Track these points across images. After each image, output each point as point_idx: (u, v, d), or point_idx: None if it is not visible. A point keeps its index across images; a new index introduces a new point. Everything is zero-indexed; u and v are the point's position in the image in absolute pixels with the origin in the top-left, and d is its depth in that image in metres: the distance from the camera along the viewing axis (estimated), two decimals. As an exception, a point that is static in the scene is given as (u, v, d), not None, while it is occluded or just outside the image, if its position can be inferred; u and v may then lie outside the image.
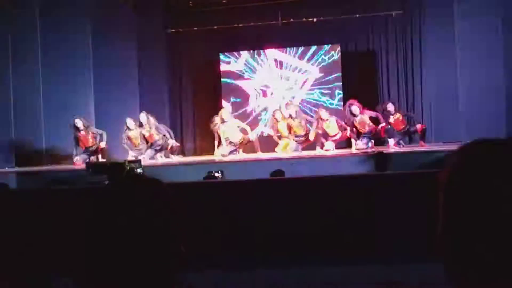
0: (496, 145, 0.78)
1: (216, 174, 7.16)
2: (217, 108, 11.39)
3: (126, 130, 9.26)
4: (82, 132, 9.13)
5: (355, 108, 8.90)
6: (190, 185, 5.46)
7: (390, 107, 9.18)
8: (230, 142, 9.21)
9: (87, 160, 8.93)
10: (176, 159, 9.59)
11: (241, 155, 9.26)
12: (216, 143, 9.54)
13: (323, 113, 9.03)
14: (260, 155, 9.07)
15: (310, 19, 11.14)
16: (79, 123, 9.04)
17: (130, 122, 9.23)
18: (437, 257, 0.77)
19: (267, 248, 4.74)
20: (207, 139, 11.45)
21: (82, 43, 9.81)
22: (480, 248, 0.73)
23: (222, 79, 11.43)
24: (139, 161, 8.04)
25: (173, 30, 11.51)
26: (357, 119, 8.91)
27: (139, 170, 7.29)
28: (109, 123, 9.74)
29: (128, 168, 7.42)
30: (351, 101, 9.12)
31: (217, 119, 9.33)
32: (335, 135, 9.09)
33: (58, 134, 9.48)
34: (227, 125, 9.20)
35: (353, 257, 4.59)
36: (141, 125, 9.31)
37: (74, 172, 8.12)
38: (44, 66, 9.48)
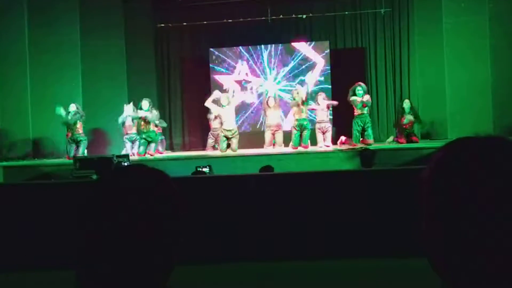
0: (479, 142, 0.79)
1: (204, 170, 7.16)
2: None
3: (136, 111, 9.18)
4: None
5: (359, 88, 9.08)
6: (178, 181, 5.45)
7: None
8: (224, 130, 9.15)
9: (74, 155, 8.87)
10: (165, 154, 9.58)
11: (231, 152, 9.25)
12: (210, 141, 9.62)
13: (320, 99, 9.37)
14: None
15: (299, 16, 11.14)
16: (73, 107, 8.97)
17: (145, 103, 9.18)
18: (423, 252, 0.78)
19: (256, 242, 4.75)
20: (196, 134, 11.43)
21: (70, 36, 9.73)
22: (465, 244, 0.74)
23: (211, 74, 11.39)
24: (127, 155, 8.01)
25: (162, 24, 11.44)
26: (356, 98, 9.05)
27: (125, 164, 7.25)
28: (96, 116, 9.68)
29: (116, 162, 7.38)
30: (358, 82, 9.25)
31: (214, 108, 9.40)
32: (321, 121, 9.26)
33: (46, 128, 9.40)
34: (226, 109, 9.16)
35: (340, 252, 4.63)
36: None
37: (61, 167, 8.05)
38: (32, 59, 9.39)
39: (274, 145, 9.42)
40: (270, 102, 9.52)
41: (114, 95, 10.09)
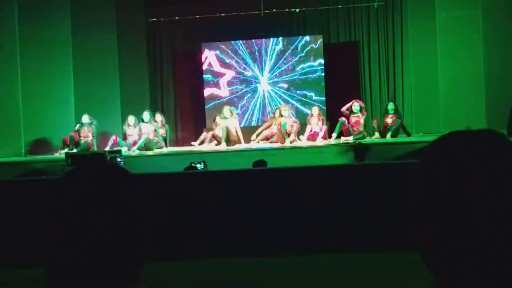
0: (471, 136, 0.78)
1: (198, 165, 7.11)
2: (199, 98, 11.35)
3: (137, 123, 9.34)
4: (84, 128, 9.14)
5: (356, 105, 9.30)
6: (172, 176, 5.44)
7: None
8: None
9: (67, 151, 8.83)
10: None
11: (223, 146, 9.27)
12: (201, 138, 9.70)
13: (315, 110, 9.49)
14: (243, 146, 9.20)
15: (293, 10, 11.11)
16: (85, 118, 9.16)
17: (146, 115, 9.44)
18: (415, 247, 0.78)
19: (252, 238, 4.75)
20: (189, 130, 11.41)
21: (61, 32, 9.66)
22: (456, 239, 0.73)
23: (203, 68, 11.35)
24: (120, 151, 7.98)
25: (154, 19, 11.38)
26: (354, 116, 9.26)
27: (118, 160, 7.22)
28: (88, 112, 9.62)
29: (109, 158, 7.35)
30: (356, 100, 9.52)
31: (217, 119, 9.57)
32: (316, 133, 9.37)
33: (37, 124, 9.34)
34: (227, 122, 9.38)
35: (334, 247, 4.64)
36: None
37: (53, 163, 8.01)
38: (22, 55, 9.32)
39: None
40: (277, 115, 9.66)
41: (106, 91, 10.04)
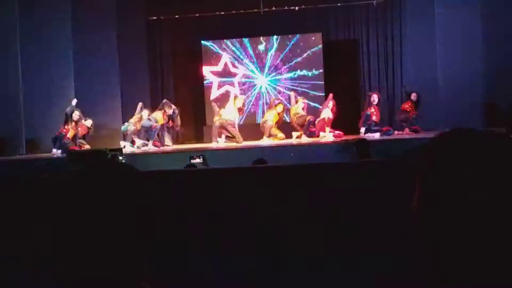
0: (474, 134, 0.78)
1: (198, 160, 7.11)
2: (199, 95, 11.34)
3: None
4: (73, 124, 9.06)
5: (375, 97, 9.57)
6: (172, 174, 5.43)
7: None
8: (228, 124, 9.34)
9: (69, 148, 8.81)
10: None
11: (222, 143, 9.27)
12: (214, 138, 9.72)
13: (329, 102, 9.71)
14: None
15: (292, 8, 11.09)
16: (75, 115, 9.07)
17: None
18: (416, 244, 0.78)
19: (248, 237, 4.76)
20: (189, 127, 11.41)
21: (61, 30, 9.64)
22: (456, 235, 0.74)
23: (203, 67, 11.34)
24: (121, 149, 7.99)
25: (154, 17, 11.36)
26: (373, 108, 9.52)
27: (120, 158, 7.22)
28: (89, 110, 9.62)
29: (110, 156, 7.35)
30: (375, 92, 9.87)
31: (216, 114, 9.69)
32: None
33: (38, 122, 9.34)
34: (226, 108, 9.47)
35: (334, 246, 4.64)
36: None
37: (54, 161, 8.01)
38: (23, 54, 9.31)
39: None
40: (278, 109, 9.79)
41: (107, 89, 10.02)
